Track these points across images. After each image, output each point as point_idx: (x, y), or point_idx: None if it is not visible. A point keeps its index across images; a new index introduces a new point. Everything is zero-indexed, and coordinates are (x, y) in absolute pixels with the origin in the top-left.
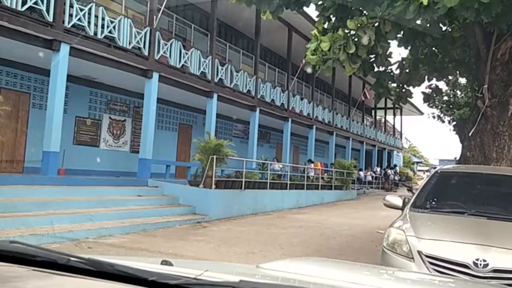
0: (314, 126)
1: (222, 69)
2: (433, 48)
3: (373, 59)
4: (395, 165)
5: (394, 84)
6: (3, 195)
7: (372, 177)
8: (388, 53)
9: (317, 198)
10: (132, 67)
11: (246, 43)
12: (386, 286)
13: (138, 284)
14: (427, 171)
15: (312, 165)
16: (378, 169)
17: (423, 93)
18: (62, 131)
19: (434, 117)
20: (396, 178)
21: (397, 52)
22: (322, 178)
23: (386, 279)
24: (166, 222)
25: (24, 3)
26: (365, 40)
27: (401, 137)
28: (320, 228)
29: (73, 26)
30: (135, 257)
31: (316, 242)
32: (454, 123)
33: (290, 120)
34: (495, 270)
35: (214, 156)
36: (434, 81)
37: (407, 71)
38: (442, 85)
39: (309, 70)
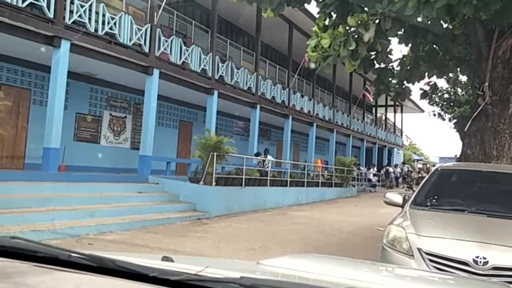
0: (315, 124)
1: (222, 66)
2: (434, 46)
3: (374, 56)
4: (396, 165)
5: (395, 81)
6: (4, 191)
7: (373, 174)
8: (388, 50)
9: (317, 195)
10: (132, 64)
11: (246, 40)
12: (386, 283)
13: (139, 280)
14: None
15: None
16: (373, 169)
17: (421, 89)
18: (63, 128)
19: (434, 115)
20: (396, 175)
21: (398, 49)
22: (323, 175)
23: (386, 276)
24: (167, 218)
25: None
26: (366, 37)
27: (401, 135)
28: (320, 225)
29: (74, 22)
30: (136, 253)
31: (316, 238)
32: (455, 121)
33: (291, 117)
34: (495, 268)
35: (215, 153)
36: (434, 78)
37: (408, 68)
38: (443, 83)
39: (311, 66)
